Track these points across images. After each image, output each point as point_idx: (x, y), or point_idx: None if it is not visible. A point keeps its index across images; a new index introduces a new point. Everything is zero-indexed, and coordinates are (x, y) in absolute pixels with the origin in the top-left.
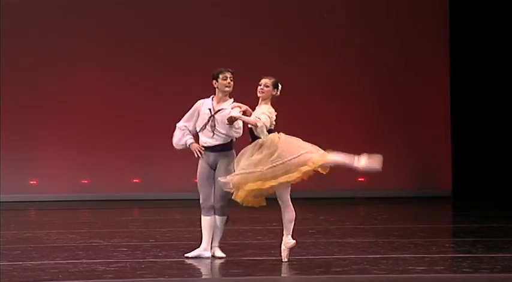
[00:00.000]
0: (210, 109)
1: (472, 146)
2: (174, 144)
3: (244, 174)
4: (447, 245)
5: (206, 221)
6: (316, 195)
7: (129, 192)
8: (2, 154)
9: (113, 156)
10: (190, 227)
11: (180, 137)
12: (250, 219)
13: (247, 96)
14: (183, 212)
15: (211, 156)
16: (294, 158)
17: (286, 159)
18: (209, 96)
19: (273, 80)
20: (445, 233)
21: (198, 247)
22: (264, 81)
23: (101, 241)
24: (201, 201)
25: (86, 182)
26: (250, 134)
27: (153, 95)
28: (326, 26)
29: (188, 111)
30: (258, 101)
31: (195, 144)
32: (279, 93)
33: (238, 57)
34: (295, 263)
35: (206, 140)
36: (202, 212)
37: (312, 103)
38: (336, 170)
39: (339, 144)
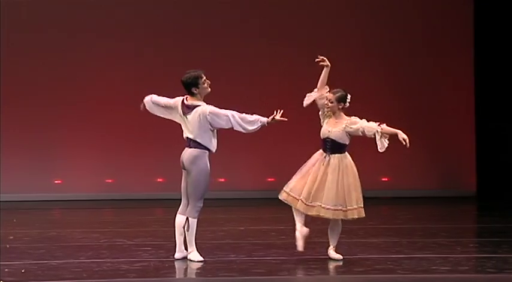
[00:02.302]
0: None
1: (497, 145)
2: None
3: None
4: (471, 245)
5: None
6: None
7: (152, 191)
8: (26, 153)
9: (137, 156)
10: (213, 227)
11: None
12: (273, 218)
13: (276, 96)
14: (206, 212)
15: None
16: None
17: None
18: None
19: (338, 94)
20: (469, 233)
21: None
22: (329, 96)
23: (125, 240)
24: (201, 206)
25: (110, 181)
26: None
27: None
28: (351, 25)
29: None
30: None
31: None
32: (348, 104)
33: (262, 57)
34: (317, 262)
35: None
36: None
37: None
38: (360, 170)
39: (362, 143)
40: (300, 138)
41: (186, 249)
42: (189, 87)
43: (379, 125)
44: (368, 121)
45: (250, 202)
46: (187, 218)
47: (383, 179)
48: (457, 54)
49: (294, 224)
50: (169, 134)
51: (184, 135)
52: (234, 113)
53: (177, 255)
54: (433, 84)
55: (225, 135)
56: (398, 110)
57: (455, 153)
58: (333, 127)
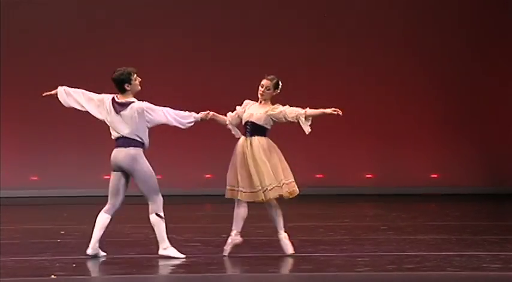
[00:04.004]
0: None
1: None
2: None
3: None
4: None
5: None
6: (389, 192)
7: (201, 187)
8: (76, 149)
9: (185, 151)
10: (262, 222)
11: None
12: (322, 215)
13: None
14: (255, 207)
15: None
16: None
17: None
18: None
19: (275, 81)
20: None
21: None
22: (266, 82)
23: (174, 236)
24: (162, 198)
25: (159, 177)
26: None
27: (230, 92)
28: (395, 25)
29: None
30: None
31: (204, 114)
32: (279, 91)
33: (310, 55)
34: (367, 259)
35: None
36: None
37: (381, 97)
38: (409, 167)
39: (411, 143)
40: (343, 133)
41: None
42: (121, 83)
43: (302, 108)
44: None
45: (300, 198)
46: (157, 215)
47: (432, 176)
48: (504, 50)
49: (344, 221)
50: (219, 131)
51: (114, 136)
52: (168, 109)
53: (90, 251)
54: (481, 81)
55: (277, 132)
56: (446, 107)
57: (505, 150)
58: (255, 111)
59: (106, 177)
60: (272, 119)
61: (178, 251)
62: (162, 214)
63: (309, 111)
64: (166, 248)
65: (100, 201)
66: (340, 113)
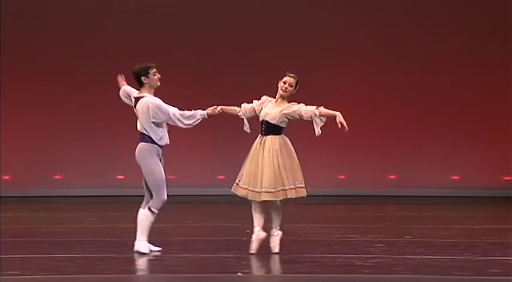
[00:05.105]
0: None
1: None
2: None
3: None
4: None
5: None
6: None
7: (385, 188)
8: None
9: (370, 152)
10: (450, 224)
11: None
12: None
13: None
14: (439, 209)
15: (161, 152)
16: None
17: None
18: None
19: (297, 79)
20: None
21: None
22: (289, 79)
23: (357, 236)
24: (164, 198)
25: (342, 177)
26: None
27: (417, 92)
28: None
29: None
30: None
31: (211, 109)
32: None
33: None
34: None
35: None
36: (161, 207)
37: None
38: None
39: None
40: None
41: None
42: (138, 76)
43: (317, 108)
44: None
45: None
46: (148, 208)
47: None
48: None
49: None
50: (404, 131)
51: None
52: (176, 110)
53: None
54: None
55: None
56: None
57: None
58: (271, 110)
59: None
60: (287, 117)
61: (361, 251)
62: (154, 210)
63: (323, 110)
64: (138, 240)
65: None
66: (346, 128)
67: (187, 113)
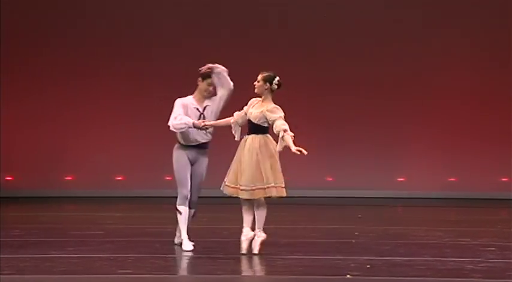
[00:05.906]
0: (197, 108)
1: None
2: (174, 127)
3: None
4: None
5: (186, 211)
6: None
7: (498, 191)
8: (374, 151)
9: (479, 155)
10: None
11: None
12: None
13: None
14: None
15: (194, 152)
16: None
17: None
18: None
19: (265, 74)
20: None
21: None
22: (259, 76)
23: (469, 239)
24: (184, 193)
25: (453, 180)
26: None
27: None
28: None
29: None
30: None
31: (198, 121)
32: (276, 86)
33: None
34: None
35: (197, 137)
36: (183, 203)
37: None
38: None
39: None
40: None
41: None
42: (198, 77)
43: (285, 130)
44: (284, 119)
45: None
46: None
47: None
48: None
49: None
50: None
51: None
52: (173, 112)
53: (176, 240)
54: None
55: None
56: None
57: None
58: (255, 110)
59: (400, 180)
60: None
61: (473, 255)
62: (178, 207)
63: (286, 136)
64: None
65: (394, 203)
66: (305, 153)
67: (183, 117)
